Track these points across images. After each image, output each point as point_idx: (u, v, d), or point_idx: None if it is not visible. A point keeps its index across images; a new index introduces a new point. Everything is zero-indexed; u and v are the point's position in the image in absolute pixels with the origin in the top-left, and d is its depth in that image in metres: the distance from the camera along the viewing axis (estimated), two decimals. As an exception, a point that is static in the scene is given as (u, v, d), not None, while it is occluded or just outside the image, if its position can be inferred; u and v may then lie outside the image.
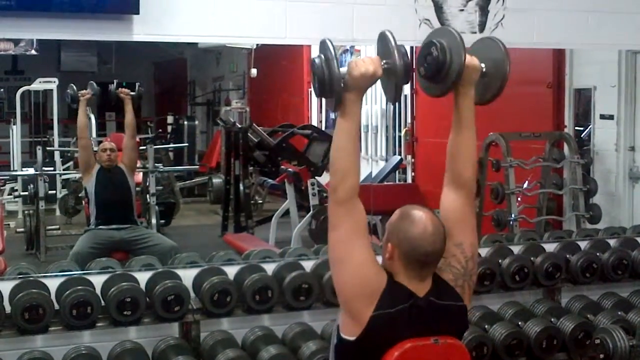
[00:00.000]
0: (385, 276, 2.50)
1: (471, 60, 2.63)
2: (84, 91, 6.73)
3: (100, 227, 5.94)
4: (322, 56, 2.45)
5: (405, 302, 2.47)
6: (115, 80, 7.09)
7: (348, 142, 2.48)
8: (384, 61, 2.47)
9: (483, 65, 2.67)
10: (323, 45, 2.48)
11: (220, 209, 9.23)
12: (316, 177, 6.92)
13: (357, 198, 2.49)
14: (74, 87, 6.84)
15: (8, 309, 3.65)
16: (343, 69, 2.44)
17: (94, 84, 6.94)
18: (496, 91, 2.75)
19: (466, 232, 2.65)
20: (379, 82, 2.56)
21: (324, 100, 11.24)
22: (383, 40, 2.53)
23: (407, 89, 8.62)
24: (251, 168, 8.73)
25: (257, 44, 8.81)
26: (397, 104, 8.96)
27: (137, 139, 9.15)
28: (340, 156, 2.48)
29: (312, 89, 9.64)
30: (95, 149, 6.70)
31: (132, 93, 6.79)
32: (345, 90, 2.45)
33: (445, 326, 2.52)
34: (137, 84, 7.24)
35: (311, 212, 6.89)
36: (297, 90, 11.52)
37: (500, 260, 4.47)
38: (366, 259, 2.49)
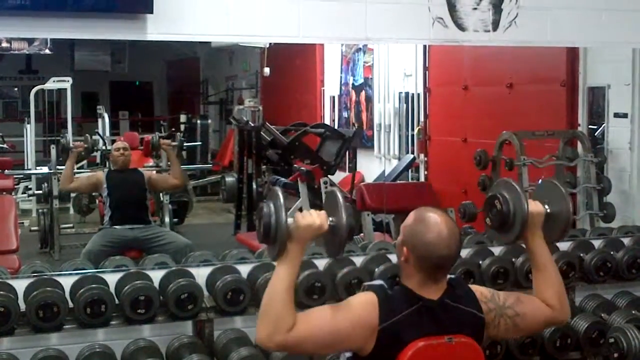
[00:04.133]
0: (369, 295, 2.49)
1: (535, 206, 2.73)
2: (78, 143, 6.73)
3: (114, 225, 5.96)
4: (271, 204, 2.48)
5: (411, 305, 2.47)
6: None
7: (284, 291, 2.44)
8: (331, 218, 2.51)
9: (547, 207, 2.78)
10: (273, 193, 2.51)
11: (233, 207, 9.25)
12: (329, 176, 6.92)
13: (294, 328, 2.43)
14: (67, 136, 6.81)
15: (23, 307, 3.67)
16: (289, 220, 2.46)
17: (89, 137, 6.93)
18: (562, 231, 2.83)
19: (533, 312, 2.68)
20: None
21: (336, 98, 11.23)
22: (332, 198, 2.59)
23: (420, 87, 8.62)
24: (264, 167, 8.73)
25: (270, 43, 8.82)
26: (409, 102, 8.95)
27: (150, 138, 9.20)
28: (275, 305, 2.43)
29: (324, 88, 9.63)
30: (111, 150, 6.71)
31: (174, 143, 6.81)
32: (289, 240, 2.46)
33: (459, 327, 2.51)
34: (178, 134, 7.23)
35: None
36: (310, 89, 11.52)
37: (513, 259, 4.46)
38: (338, 322, 2.45)
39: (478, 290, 2.62)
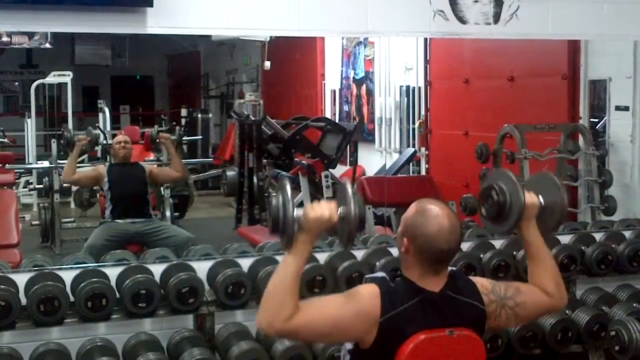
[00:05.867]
0: (372, 287, 2.49)
1: (529, 197, 2.72)
2: (82, 136, 6.73)
3: (116, 219, 5.96)
4: (280, 198, 2.48)
5: (413, 297, 2.46)
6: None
7: (290, 280, 2.44)
8: (340, 208, 2.51)
9: (542, 200, 2.78)
10: (281, 184, 2.51)
11: (234, 201, 9.24)
12: (330, 170, 6.92)
13: (295, 315, 2.42)
14: (72, 130, 6.83)
15: (24, 301, 3.67)
16: (299, 211, 2.46)
17: (92, 129, 6.91)
18: (556, 223, 2.82)
19: (532, 301, 2.68)
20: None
21: (337, 92, 11.21)
22: (342, 190, 2.59)
23: (421, 80, 8.62)
24: (265, 161, 8.71)
25: (271, 37, 8.81)
26: (410, 96, 8.94)
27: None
28: (278, 293, 2.42)
29: (325, 82, 9.60)
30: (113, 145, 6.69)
31: (173, 137, 6.82)
32: (299, 231, 2.46)
33: (461, 319, 2.51)
34: (177, 128, 7.25)
35: (325, 204, 6.88)
36: (311, 82, 11.51)
37: (514, 252, 4.46)
38: (339, 312, 2.45)
39: (479, 282, 2.62)
